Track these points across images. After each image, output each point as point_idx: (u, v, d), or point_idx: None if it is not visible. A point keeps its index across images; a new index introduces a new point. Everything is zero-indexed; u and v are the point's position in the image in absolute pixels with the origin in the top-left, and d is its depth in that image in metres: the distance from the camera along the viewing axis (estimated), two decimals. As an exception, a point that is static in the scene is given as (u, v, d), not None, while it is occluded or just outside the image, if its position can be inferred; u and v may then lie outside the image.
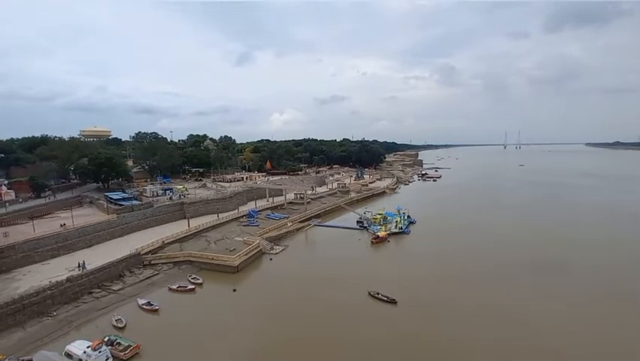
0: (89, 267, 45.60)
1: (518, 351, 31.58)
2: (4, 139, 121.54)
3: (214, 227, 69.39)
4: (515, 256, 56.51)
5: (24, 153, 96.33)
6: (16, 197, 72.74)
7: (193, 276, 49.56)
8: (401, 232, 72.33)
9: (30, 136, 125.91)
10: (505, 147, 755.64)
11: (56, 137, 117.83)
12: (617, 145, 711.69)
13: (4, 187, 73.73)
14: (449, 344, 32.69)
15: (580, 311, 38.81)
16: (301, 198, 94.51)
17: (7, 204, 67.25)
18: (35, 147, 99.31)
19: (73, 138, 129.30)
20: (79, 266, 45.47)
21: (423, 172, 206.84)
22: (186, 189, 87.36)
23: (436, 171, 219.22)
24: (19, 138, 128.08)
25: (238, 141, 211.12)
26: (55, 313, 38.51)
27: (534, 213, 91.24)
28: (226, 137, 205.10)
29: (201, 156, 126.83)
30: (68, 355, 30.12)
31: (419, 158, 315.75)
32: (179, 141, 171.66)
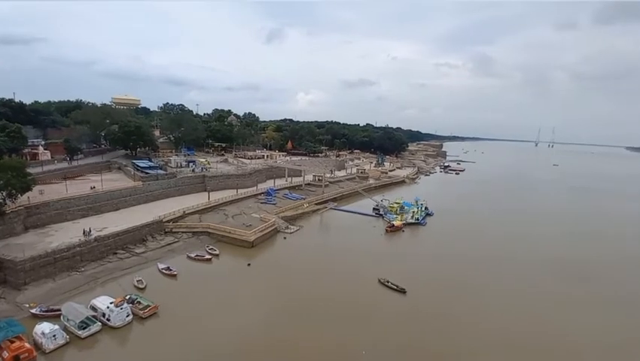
0: (115, 229, 48.20)
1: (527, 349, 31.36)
2: (43, 101, 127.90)
3: (232, 202, 71.15)
4: (529, 255, 55.02)
5: (60, 116, 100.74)
6: (51, 158, 76.93)
7: (211, 247, 51.56)
8: (417, 223, 71.71)
9: (66, 100, 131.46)
10: (537, 145, 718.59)
11: (89, 102, 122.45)
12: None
13: (41, 148, 78.02)
14: (446, 344, 32.88)
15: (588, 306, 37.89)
16: (319, 180, 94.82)
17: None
18: (70, 111, 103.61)
19: (105, 104, 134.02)
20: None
21: (446, 164, 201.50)
22: (208, 163, 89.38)
23: (459, 164, 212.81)
24: (56, 100, 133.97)
25: (262, 119, 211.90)
26: (83, 269, 41.41)
27: (563, 218, 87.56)
28: (249, 113, 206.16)
29: (224, 131, 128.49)
30: (93, 308, 32.57)
31: (443, 149, 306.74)
32: (204, 114, 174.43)
